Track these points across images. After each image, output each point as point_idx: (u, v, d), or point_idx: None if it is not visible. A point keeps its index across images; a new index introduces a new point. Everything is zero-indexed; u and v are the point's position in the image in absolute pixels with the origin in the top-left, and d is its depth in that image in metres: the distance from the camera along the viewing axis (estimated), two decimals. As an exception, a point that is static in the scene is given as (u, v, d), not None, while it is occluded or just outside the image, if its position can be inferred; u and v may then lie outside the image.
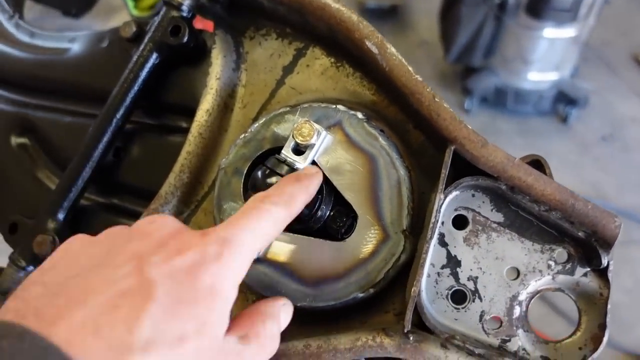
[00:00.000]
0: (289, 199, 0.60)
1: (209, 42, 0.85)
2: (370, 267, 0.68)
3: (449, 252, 0.71)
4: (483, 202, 0.71)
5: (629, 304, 2.78)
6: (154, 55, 0.85)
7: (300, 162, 0.68)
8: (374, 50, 0.68)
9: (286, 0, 0.75)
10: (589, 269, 0.69)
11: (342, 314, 0.72)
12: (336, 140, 0.70)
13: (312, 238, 0.70)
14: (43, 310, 0.45)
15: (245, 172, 0.73)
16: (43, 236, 0.83)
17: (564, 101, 3.97)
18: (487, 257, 0.70)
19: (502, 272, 0.70)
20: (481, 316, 0.70)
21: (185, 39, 0.83)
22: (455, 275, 0.71)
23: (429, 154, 0.74)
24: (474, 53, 3.83)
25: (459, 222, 0.71)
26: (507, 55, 3.82)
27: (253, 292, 0.77)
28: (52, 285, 0.48)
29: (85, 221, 0.90)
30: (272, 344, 0.58)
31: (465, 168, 0.68)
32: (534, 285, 0.70)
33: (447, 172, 0.65)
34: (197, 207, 0.81)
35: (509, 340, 0.69)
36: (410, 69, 0.67)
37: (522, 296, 0.70)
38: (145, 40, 0.85)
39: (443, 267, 0.71)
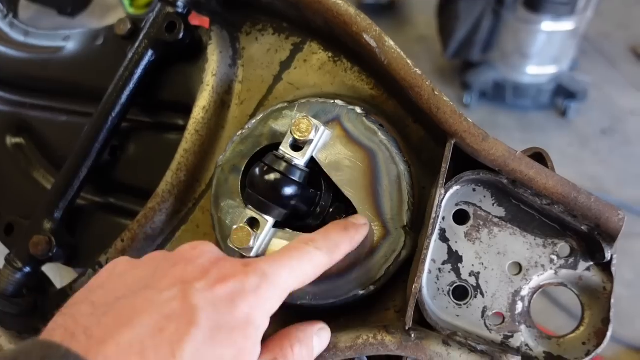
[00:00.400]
0: (333, 246, 0.62)
1: (205, 38, 0.84)
2: (370, 264, 0.67)
3: (450, 248, 0.70)
4: (484, 196, 0.70)
5: (630, 297, 2.78)
6: (150, 53, 0.84)
7: (299, 158, 0.67)
8: (372, 43, 0.67)
9: (282, -6, 0.74)
10: (592, 263, 0.68)
11: (343, 312, 0.72)
12: (335, 136, 0.69)
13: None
14: (92, 329, 0.46)
15: (242, 169, 0.72)
16: (39, 237, 0.82)
17: (563, 95, 3.96)
18: (489, 252, 0.69)
19: (504, 268, 0.69)
20: (483, 312, 0.69)
21: (181, 35, 0.82)
22: (456, 271, 0.70)
23: (429, 149, 0.73)
24: (473, 48, 3.82)
25: (460, 217, 0.70)
26: (505, 50, 3.81)
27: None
28: (100, 305, 0.49)
29: (82, 221, 0.89)
30: None
31: (465, 162, 0.67)
32: (536, 280, 0.69)
33: (447, 167, 0.64)
34: (194, 205, 0.80)
35: (512, 336, 0.69)
36: (409, 62, 0.65)
37: (525, 291, 0.69)
38: (141, 37, 0.84)
39: (444, 262, 0.70)
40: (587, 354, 0.67)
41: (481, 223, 0.70)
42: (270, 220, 0.67)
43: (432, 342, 0.63)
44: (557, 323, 2.71)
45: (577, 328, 0.69)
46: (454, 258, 0.70)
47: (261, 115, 0.73)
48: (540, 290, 0.70)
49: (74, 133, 0.88)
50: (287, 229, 0.69)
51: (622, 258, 0.67)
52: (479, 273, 0.70)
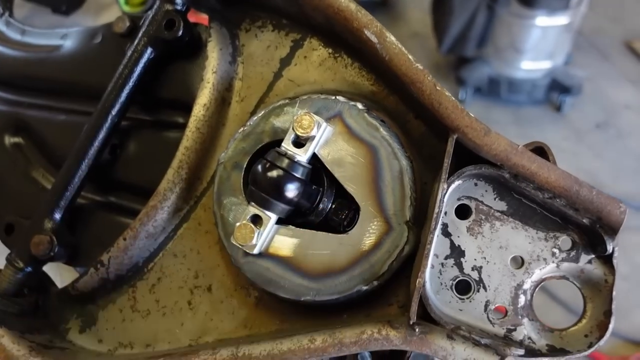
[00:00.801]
0: None
1: (204, 35, 0.84)
2: (373, 259, 0.67)
3: (452, 242, 0.70)
4: (486, 190, 0.70)
5: (626, 290, 2.79)
6: (149, 50, 0.84)
7: (301, 155, 0.67)
8: (373, 39, 0.67)
9: (282, -10, 0.74)
10: (593, 256, 0.68)
11: (346, 307, 0.72)
12: (337, 132, 0.69)
13: (315, 231, 0.69)
14: None
15: (245, 166, 0.72)
16: (40, 236, 0.81)
17: (557, 89, 3.97)
18: (491, 247, 0.70)
19: (506, 261, 0.70)
20: (486, 306, 0.70)
21: (180, 32, 0.82)
22: (459, 266, 0.70)
23: (431, 144, 0.73)
24: (467, 43, 3.82)
25: (462, 212, 0.70)
26: (500, 45, 3.81)
27: (255, 288, 0.76)
28: None
29: (82, 220, 0.88)
30: None
31: (466, 157, 0.67)
32: (538, 273, 0.69)
33: (449, 162, 0.64)
34: (196, 203, 0.80)
35: (515, 330, 0.69)
36: (410, 57, 0.66)
37: (527, 285, 0.69)
38: (139, 35, 0.84)
39: (447, 257, 0.70)
40: (590, 346, 0.67)
41: (483, 217, 0.70)
42: (273, 217, 0.67)
43: (437, 336, 0.63)
44: (554, 317, 2.73)
45: (579, 321, 0.69)
46: (457, 252, 0.70)
47: (262, 112, 0.73)
48: (542, 283, 0.70)
49: (73, 132, 0.88)
50: (290, 226, 0.69)
51: (618, 251, 0.67)
52: (481, 267, 0.70)
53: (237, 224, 0.68)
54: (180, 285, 0.79)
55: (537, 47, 3.71)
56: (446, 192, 0.67)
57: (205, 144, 0.79)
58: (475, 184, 0.70)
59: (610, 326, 0.68)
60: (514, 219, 0.69)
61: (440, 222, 0.69)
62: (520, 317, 0.69)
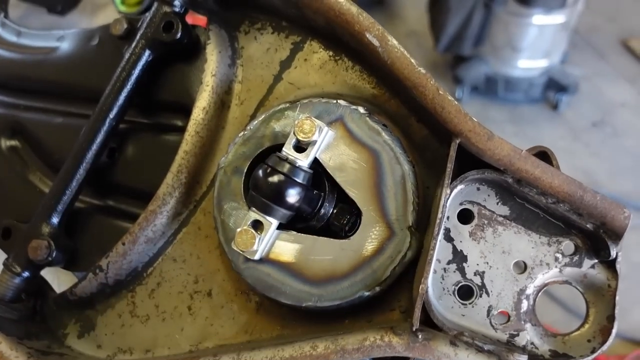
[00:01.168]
0: None
1: (203, 37, 0.83)
2: (376, 265, 0.67)
3: (454, 247, 0.70)
4: (488, 195, 0.69)
5: (624, 289, 2.78)
6: (147, 53, 0.83)
7: (302, 160, 0.66)
8: (375, 42, 0.66)
9: (282, -8, 0.73)
10: (596, 261, 0.68)
11: (347, 313, 0.71)
12: (338, 136, 0.69)
13: (316, 237, 0.68)
14: None
15: (245, 170, 0.71)
16: (38, 241, 0.80)
17: (554, 88, 3.98)
18: (494, 251, 0.69)
19: (509, 266, 0.69)
20: (489, 311, 0.69)
21: (179, 35, 0.81)
22: (461, 271, 0.70)
23: (432, 148, 0.72)
24: (464, 42, 3.82)
25: (465, 217, 0.70)
26: (496, 44, 3.81)
27: (256, 294, 0.75)
28: None
29: (80, 224, 0.87)
30: None
31: (468, 161, 0.66)
32: (541, 278, 0.69)
33: (452, 167, 0.63)
34: (195, 207, 0.80)
35: (518, 335, 0.68)
36: (412, 61, 0.65)
37: (530, 290, 0.69)
38: (137, 37, 0.83)
39: (449, 262, 0.70)
40: (593, 351, 0.67)
41: (485, 222, 0.70)
42: (274, 223, 0.67)
43: (440, 342, 0.63)
44: (552, 317, 2.73)
45: (582, 325, 0.69)
46: (459, 257, 0.70)
47: (263, 116, 0.72)
48: (545, 288, 0.70)
49: (70, 135, 0.87)
50: (292, 231, 0.69)
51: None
52: (483, 272, 0.69)
53: (238, 229, 0.67)
54: (180, 290, 0.79)
55: (534, 46, 3.72)
56: (449, 197, 0.66)
57: (205, 147, 0.78)
58: (478, 189, 0.70)
59: (614, 331, 0.67)
60: (517, 224, 0.69)
61: (442, 227, 0.69)
62: (523, 322, 0.69)
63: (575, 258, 0.68)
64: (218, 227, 0.72)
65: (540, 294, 0.70)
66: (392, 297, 0.71)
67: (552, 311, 2.77)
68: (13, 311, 0.80)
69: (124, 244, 0.77)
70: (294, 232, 0.69)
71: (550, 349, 0.68)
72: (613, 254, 0.65)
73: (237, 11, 0.83)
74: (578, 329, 0.69)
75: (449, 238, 0.70)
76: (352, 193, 0.68)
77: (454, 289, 0.70)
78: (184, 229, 0.80)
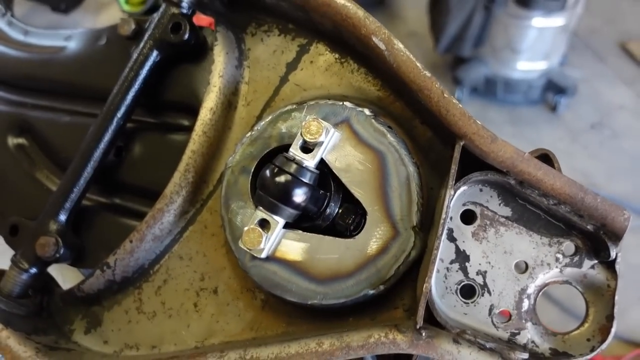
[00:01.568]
0: None
1: (210, 39, 0.84)
2: (380, 263, 0.68)
3: (457, 247, 0.71)
4: (491, 196, 0.71)
5: (621, 290, 2.81)
6: (155, 53, 0.84)
7: (309, 160, 0.67)
8: (381, 46, 0.68)
9: (290, -4, 0.74)
10: (596, 262, 0.69)
11: (352, 311, 0.72)
12: (344, 138, 0.70)
13: (322, 236, 0.70)
14: None
15: (252, 170, 0.72)
16: (45, 238, 0.82)
17: (553, 90, 3.99)
18: (496, 252, 0.71)
19: (510, 266, 0.70)
20: (490, 310, 0.71)
21: (186, 36, 0.82)
22: (464, 270, 0.71)
23: (437, 149, 0.74)
24: (464, 43, 3.83)
25: (467, 217, 0.71)
26: (496, 45, 3.83)
27: (262, 291, 0.76)
28: None
29: (87, 221, 0.89)
30: None
31: (471, 162, 0.68)
32: (542, 278, 0.70)
33: (456, 168, 0.64)
34: (202, 206, 0.81)
35: (519, 334, 0.70)
36: (418, 65, 0.66)
37: (531, 289, 0.70)
38: (145, 38, 0.84)
39: (452, 262, 0.71)
40: (592, 350, 0.69)
41: (488, 223, 0.71)
42: (281, 221, 0.68)
43: (443, 340, 0.64)
44: (548, 318, 2.75)
45: (582, 325, 0.71)
46: (462, 257, 0.71)
47: (270, 117, 0.73)
48: (545, 288, 0.71)
49: (77, 133, 0.88)
50: (298, 230, 0.70)
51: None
52: (485, 272, 0.71)
53: (245, 228, 0.68)
54: (186, 287, 0.80)
55: (533, 48, 3.73)
56: (453, 197, 0.67)
57: (212, 147, 0.80)
58: (481, 190, 0.71)
59: (613, 330, 0.69)
60: (519, 225, 0.70)
61: (446, 227, 0.70)
62: (524, 321, 0.70)
63: (576, 258, 0.70)
64: (225, 225, 0.73)
65: (540, 293, 0.71)
66: (396, 295, 0.72)
67: (548, 312, 2.78)
68: (21, 307, 0.81)
69: (131, 241, 0.78)
70: (300, 231, 0.70)
71: (550, 347, 0.70)
72: (613, 254, 0.66)
73: (244, 13, 0.85)
74: (578, 328, 0.71)
75: (452, 238, 0.71)
76: (357, 193, 0.69)
77: (457, 288, 0.71)
78: (191, 227, 0.81)
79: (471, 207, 0.71)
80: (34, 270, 0.82)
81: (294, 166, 0.67)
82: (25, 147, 0.98)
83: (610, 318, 0.69)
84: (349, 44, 0.75)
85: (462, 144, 0.65)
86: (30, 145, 0.98)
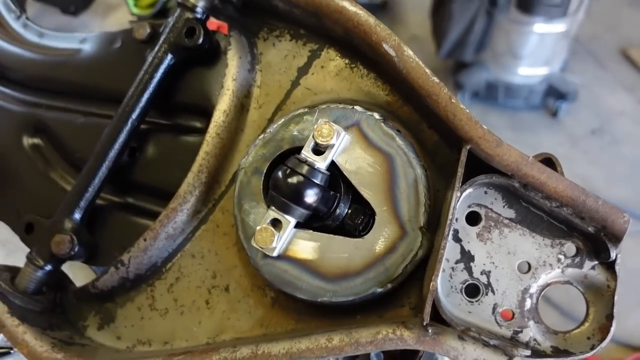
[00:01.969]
0: None
1: (223, 43, 0.87)
2: (388, 263, 0.70)
3: (462, 248, 0.73)
4: (495, 198, 0.73)
5: (620, 294, 2.83)
6: (169, 57, 0.86)
7: (320, 162, 0.70)
8: (391, 53, 0.70)
9: (302, 3, 0.76)
10: (596, 262, 0.72)
11: (360, 308, 0.75)
12: (354, 141, 0.72)
13: (332, 235, 0.72)
14: None
15: (265, 171, 0.75)
16: (61, 236, 0.84)
17: (554, 95, 4.02)
18: (500, 252, 0.73)
19: (513, 266, 0.73)
20: (494, 308, 0.73)
21: (200, 40, 0.85)
22: (468, 270, 0.73)
23: (443, 153, 0.76)
24: (466, 48, 3.86)
25: (472, 218, 0.74)
26: (497, 50, 3.86)
27: (272, 289, 0.79)
28: None
29: (101, 220, 0.91)
30: None
31: (475, 165, 0.70)
32: (544, 278, 0.73)
33: (463, 171, 0.67)
34: (214, 205, 0.83)
35: (521, 332, 0.72)
36: (427, 71, 0.69)
37: (533, 289, 0.73)
38: (160, 41, 0.86)
39: (457, 261, 0.73)
40: (592, 348, 0.71)
41: (492, 224, 0.73)
42: (292, 221, 0.70)
43: (448, 337, 0.67)
44: (549, 320, 2.76)
45: (582, 324, 0.73)
46: (466, 257, 0.73)
47: (282, 120, 0.76)
48: (547, 287, 0.73)
49: (91, 134, 0.91)
50: (308, 230, 0.72)
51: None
52: (489, 272, 0.73)
53: (258, 227, 0.70)
54: (198, 284, 0.82)
55: (535, 54, 3.76)
56: (459, 199, 0.70)
57: (225, 149, 0.82)
58: (485, 192, 0.73)
59: (612, 329, 0.71)
60: (522, 226, 0.73)
61: (452, 228, 0.72)
62: (526, 319, 0.72)
63: (577, 259, 0.72)
64: (238, 224, 0.75)
65: (542, 293, 0.74)
66: (403, 294, 0.74)
67: (549, 315, 2.80)
68: (36, 303, 0.83)
69: (145, 239, 0.81)
70: (311, 231, 0.72)
71: (551, 345, 0.72)
72: (613, 255, 0.68)
73: (257, 18, 0.87)
74: (578, 327, 0.73)
75: (457, 239, 0.73)
76: (366, 194, 0.72)
77: (462, 287, 0.73)
78: (203, 227, 0.83)
79: (476, 208, 0.73)
80: (49, 267, 0.84)
81: (306, 168, 0.69)
82: (41, 147, 1.00)
83: (610, 317, 0.71)
84: (359, 50, 0.78)
85: (468, 147, 0.67)
86: (45, 145, 1.00)
